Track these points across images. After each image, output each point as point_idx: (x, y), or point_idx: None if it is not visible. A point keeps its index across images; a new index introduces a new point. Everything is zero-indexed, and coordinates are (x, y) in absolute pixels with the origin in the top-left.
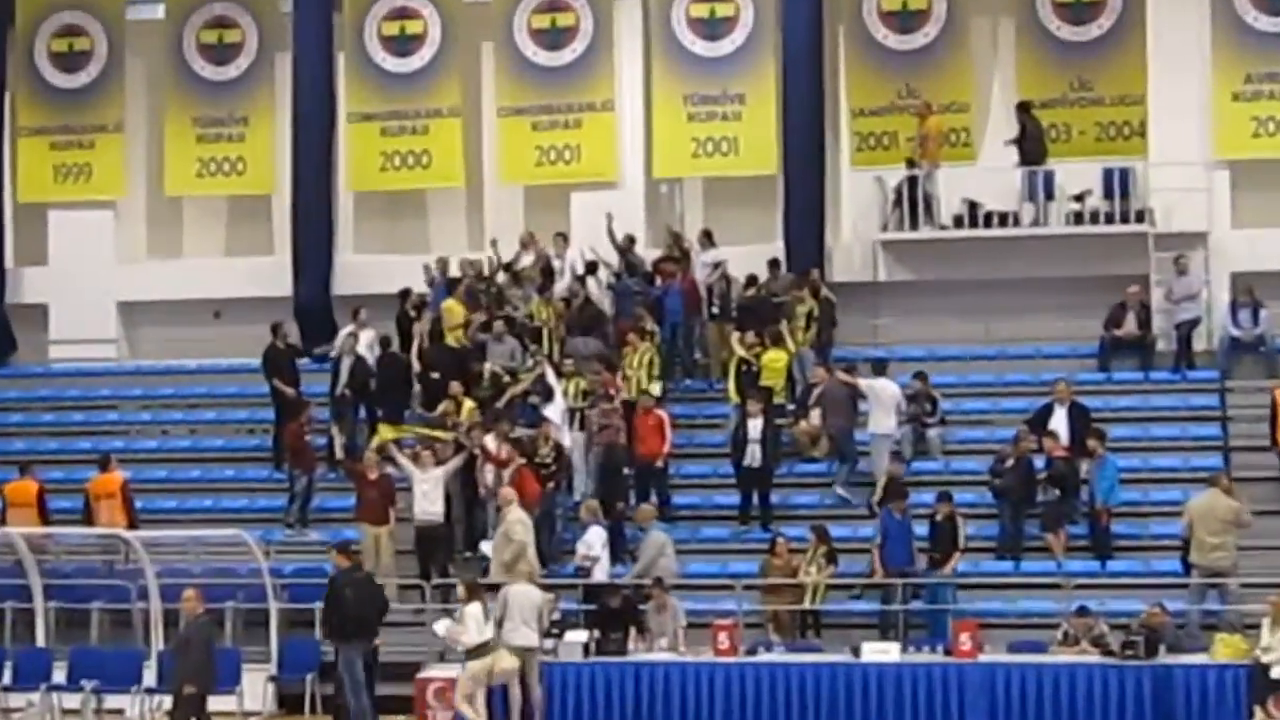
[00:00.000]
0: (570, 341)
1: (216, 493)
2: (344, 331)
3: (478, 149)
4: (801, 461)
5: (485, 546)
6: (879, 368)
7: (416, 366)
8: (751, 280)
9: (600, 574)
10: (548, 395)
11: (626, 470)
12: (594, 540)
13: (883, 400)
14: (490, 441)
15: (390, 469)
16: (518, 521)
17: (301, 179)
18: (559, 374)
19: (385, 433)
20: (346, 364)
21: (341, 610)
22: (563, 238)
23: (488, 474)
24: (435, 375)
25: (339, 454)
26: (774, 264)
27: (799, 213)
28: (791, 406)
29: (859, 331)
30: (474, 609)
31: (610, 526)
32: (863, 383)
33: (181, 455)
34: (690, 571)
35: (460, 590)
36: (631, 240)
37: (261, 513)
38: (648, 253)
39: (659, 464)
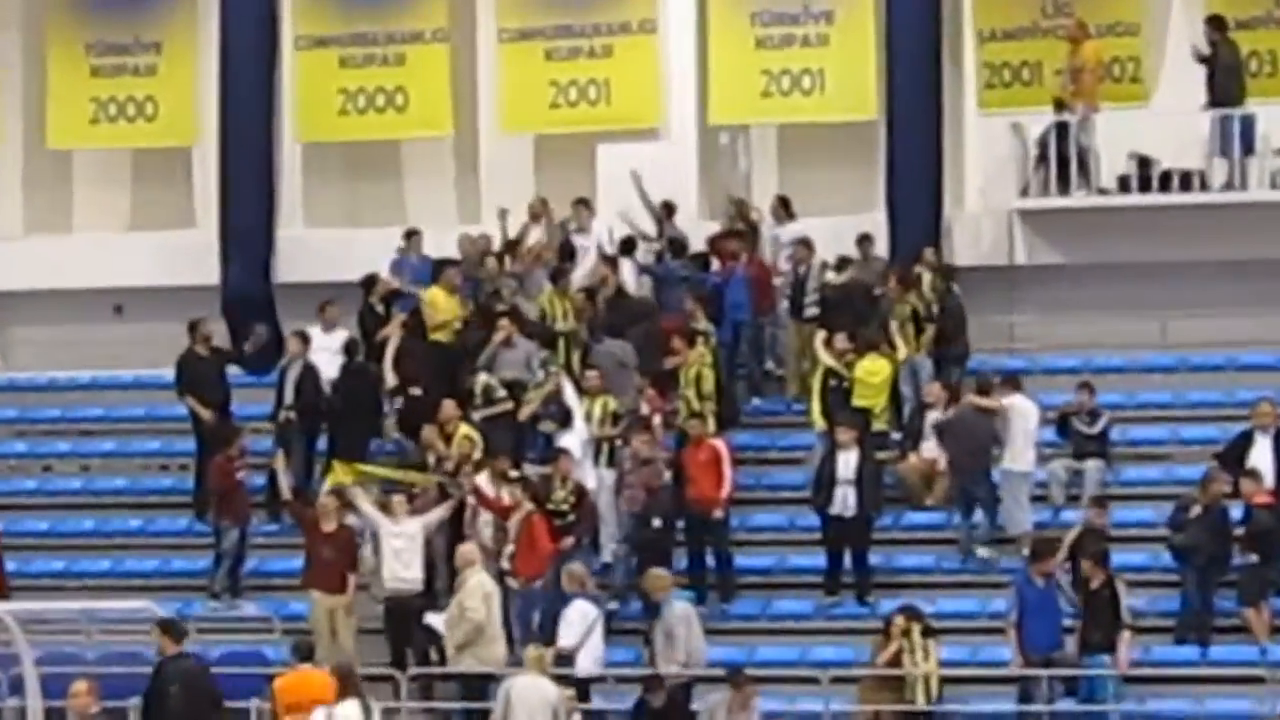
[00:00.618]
0: (596, 348)
1: (117, 551)
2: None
3: (471, 86)
4: (911, 509)
5: (434, 619)
6: (1013, 382)
7: (390, 379)
8: (843, 263)
9: (589, 664)
10: (564, 420)
11: (672, 522)
12: (574, 619)
13: (1020, 426)
14: (484, 482)
15: (352, 519)
16: (477, 590)
17: (232, 126)
18: (580, 391)
19: (341, 473)
20: (293, 376)
21: (164, 712)
22: (585, 206)
23: (483, 528)
24: (416, 391)
25: (285, 495)
26: (866, 241)
27: (907, 172)
28: (897, 435)
29: (988, 333)
30: (347, 712)
31: (647, 606)
32: (1004, 402)
33: (70, 500)
34: (759, 658)
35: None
36: (670, 209)
37: (178, 578)
38: (701, 227)
39: (716, 514)
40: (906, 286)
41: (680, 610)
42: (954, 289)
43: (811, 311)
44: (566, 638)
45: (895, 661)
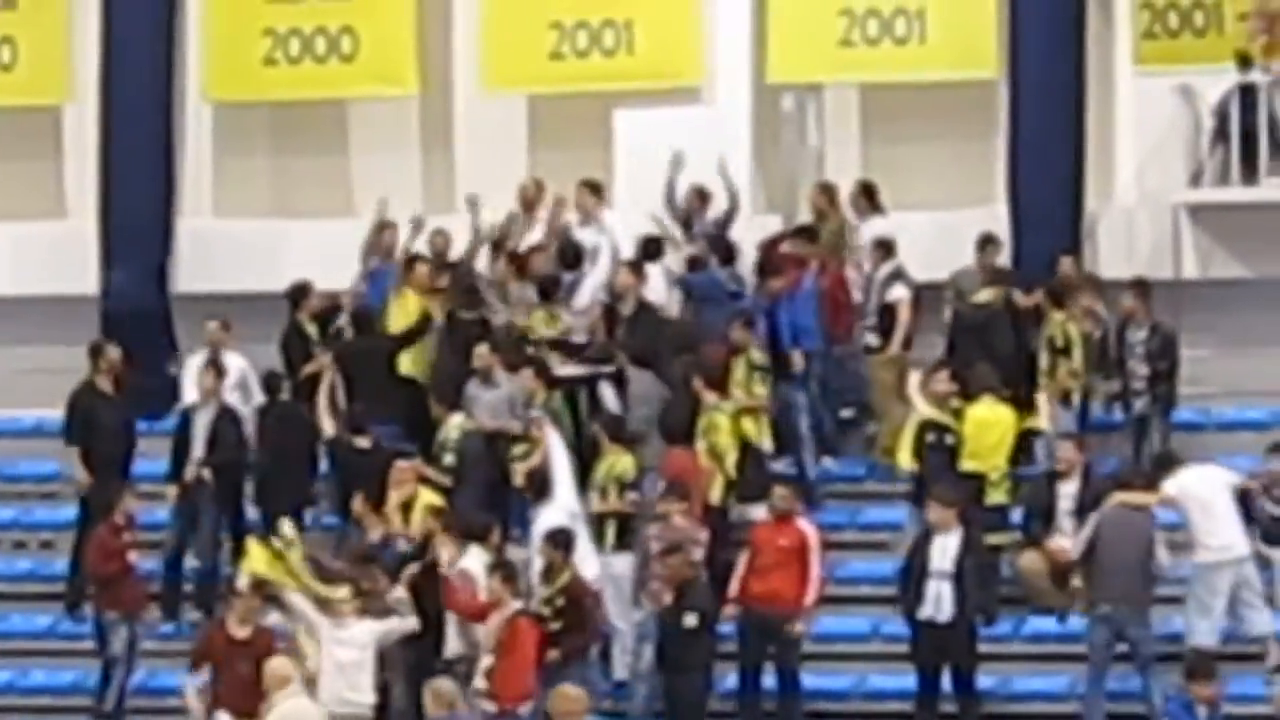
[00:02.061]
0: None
1: None
2: (194, 361)
3: (444, 29)
4: (1035, 613)
5: None
6: (1166, 462)
7: (328, 427)
8: (997, 276)
9: None
10: (541, 489)
11: (712, 623)
12: None
13: (1211, 504)
14: (474, 563)
15: (276, 617)
16: (288, 716)
17: (117, 79)
18: (594, 445)
19: (257, 559)
20: (204, 420)
21: None
22: (595, 191)
23: (453, 632)
24: (363, 443)
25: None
26: (990, 246)
27: (1038, 152)
28: (1020, 515)
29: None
30: None
31: None
32: (1169, 490)
33: None
34: None
35: None
36: (703, 197)
37: (44, 695)
38: (754, 224)
39: (797, 627)
40: (1060, 305)
41: None
42: (1099, 313)
43: (869, 339)
44: None
45: None
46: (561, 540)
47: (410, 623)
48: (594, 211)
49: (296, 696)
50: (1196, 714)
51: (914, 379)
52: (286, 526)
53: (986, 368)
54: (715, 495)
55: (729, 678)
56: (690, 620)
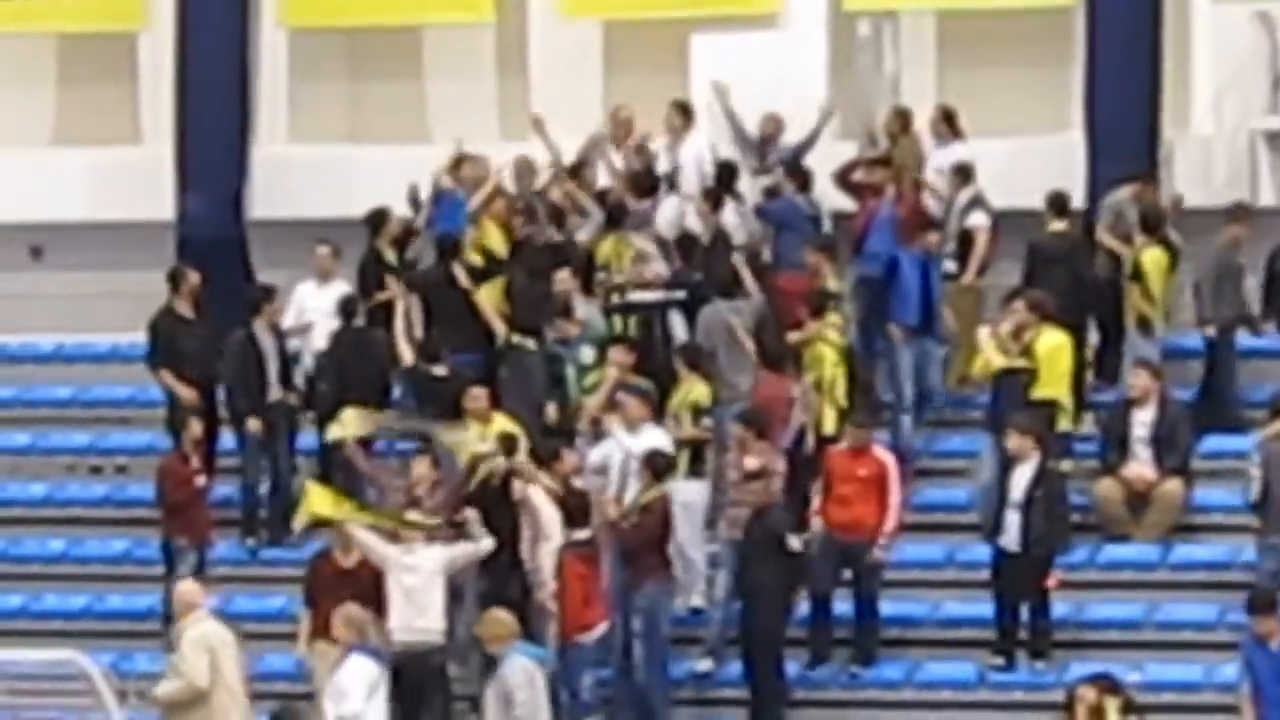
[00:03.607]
0: (704, 310)
1: (33, 583)
2: (303, 290)
3: None
4: (1110, 540)
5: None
6: None
7: (406, 354)
8: (1061, 205)
9: None
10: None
11: (793, 546)
12: (347, 685)
13: None
14: (536, 495)
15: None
16: (200, 644)
17: (193, 6)
18: (657, 378)
19: (317, 501)
20: (309, 350)
21: None
22: (684, 113)
23: (544, 557)
24: (440, 371)
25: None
26: (1060, 206)
27: (1113, 79)
28: (1086, 435)
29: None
30: None
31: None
32: None
33: None
34: None
35: None
36: (778, 125)
37: (116, 620)
38: (830, 151)
39: (877, 553)
40: (1150, 231)
41: (522, 667)
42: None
43: (947, 266)
44: (344, 706)
45: None
46: (660, 463)
47: (484, 545)
48: (683, 133)
49: (204, 621)
50: (1267, 647)
51: (983, 332)
52: (349, 413)
53: (1048, 295)
54: (829, 425)
55: (801, 605)
56: (794, 543)
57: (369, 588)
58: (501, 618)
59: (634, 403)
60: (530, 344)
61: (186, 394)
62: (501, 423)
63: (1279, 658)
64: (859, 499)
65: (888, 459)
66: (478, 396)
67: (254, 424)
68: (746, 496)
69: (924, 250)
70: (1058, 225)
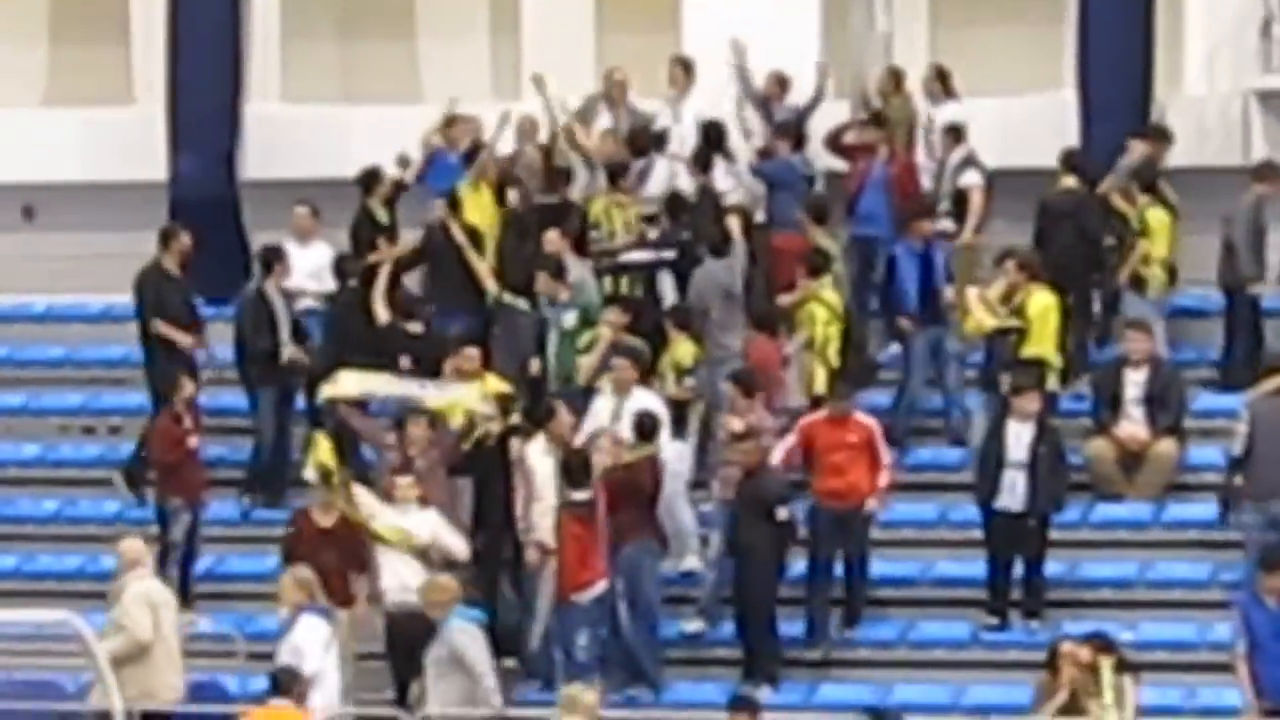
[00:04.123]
0: (696, 271)
1: (25, 543)
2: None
3: None
4: (1102, 500)
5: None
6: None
7: (383, 313)
8: (1071, 161)
9: (333, 697)
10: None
11: (780, 517)
12: (303, 645)
13: None
14: (534, 453)
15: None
16: (140, 600)
17: None
18: (649, 338)
19: (325, 452)
20: (283, 309)
21: None
22: (685, 69)
23: (539, 518)
24: (415, 327)
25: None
26: (1072, 161)
27: (1106, 36)
28: (1078, 394)
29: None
30: None
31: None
32: None
33: None
34: (897, 700)
35: None
36: (783, 83)
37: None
38: (826, 110)
39: (870, 504)
40: (1150, 190)
41: (464, 630)
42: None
43: (943, 224)
44: (305, 665)
45: (1073, 708)
46: (648, 424)
47: (461, 551)
48: (685, 89)
49: (146, 579)
50: (1266, 604)
51: (972, 294)
52: (344, 374)
53: (1035, 254)
54: (819, 385)
55: (797, 564)
56: (782, 513)
57: (348, 547)
58: (443, 583)
59: (624, 365)
60: (522, 303)
61: (185, 340)
62: (494, 383)
63: (1277, 618)
64: (851, 465)
65: (870, 421)
66: (471, 356)
67: (290, 353)
68: (735, 457)
69: (922, 239)
70: (1068, 182)
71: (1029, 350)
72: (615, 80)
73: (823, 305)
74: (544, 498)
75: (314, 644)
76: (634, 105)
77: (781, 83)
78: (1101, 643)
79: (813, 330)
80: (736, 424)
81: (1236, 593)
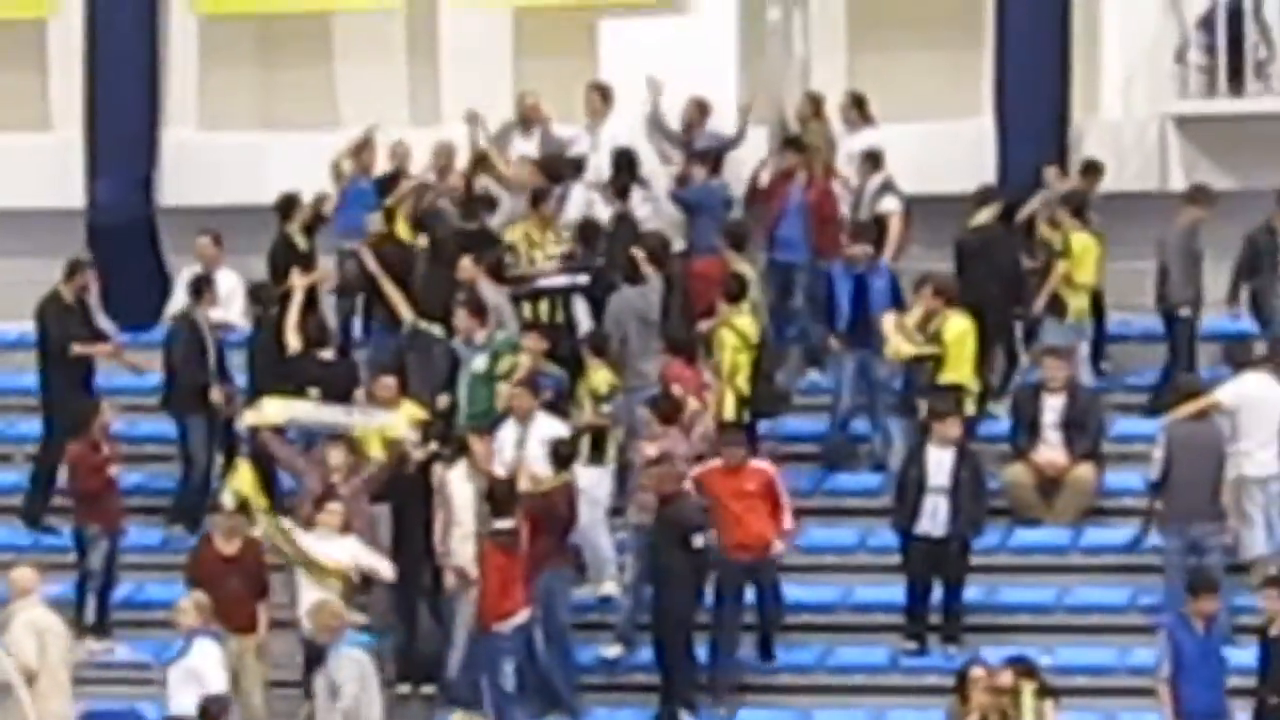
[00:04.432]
0: (613, 298)
1: None
2: (183, 275)
3: None
4: (1021, 525)
5: None
6: (1243, 352)
7: (294, 342)
8: (986, 196)
9: None
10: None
11: (696, 544)
12: (202, 669)
13: (1255, 419)
14: (456, 479)
15: (258, 531)
16: (28, 629)
17: None
18: (568, 365)
19: (244, 478)
20: (210, 338)
21: None
22: (602, 95)
23: (460, 543)
24: (326, 354)
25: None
26: (988, 201)
27: (1024, 62)
28: (995, 419)
29: (1131, 286)
30: None
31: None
32: (1228, 393)
33: None
34: None
35: None
36: (703, 109)
37: None
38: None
39: (777, 547)
40: (1078, 215)
41: (351, 660)
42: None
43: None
44: (207, 688)
45: None
46: (565, 451)
47: (386, 572)
48: (602, 115)
49: (35, 607)
50: (1193, 628)
51: (889, 320)
52: (267, 401)
53: (953, 280)
54: (728, 410)
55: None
56: (698, 540)
57: (251, 573)
58: (331, 608)
59: (519, 393)
60: (436, 330)
61: (105, 349)
62: (410, 409)
63: (1204, 643)
64: (750, 514)
65: (766, 466)
66: (388, 385)
67: (216, 395)
68: (648, 482)
69: (849, 261)
70: (981, 217)
71: (946, 376)
72: (529, 105)
73: (733, 331)
74: (463, 523)
75: (213, 668)
76: (551, 131)
77: (701, 108)
78: (1023, 667)
79: (721, 356)
80: (650, 449)
81: (1163, 616)
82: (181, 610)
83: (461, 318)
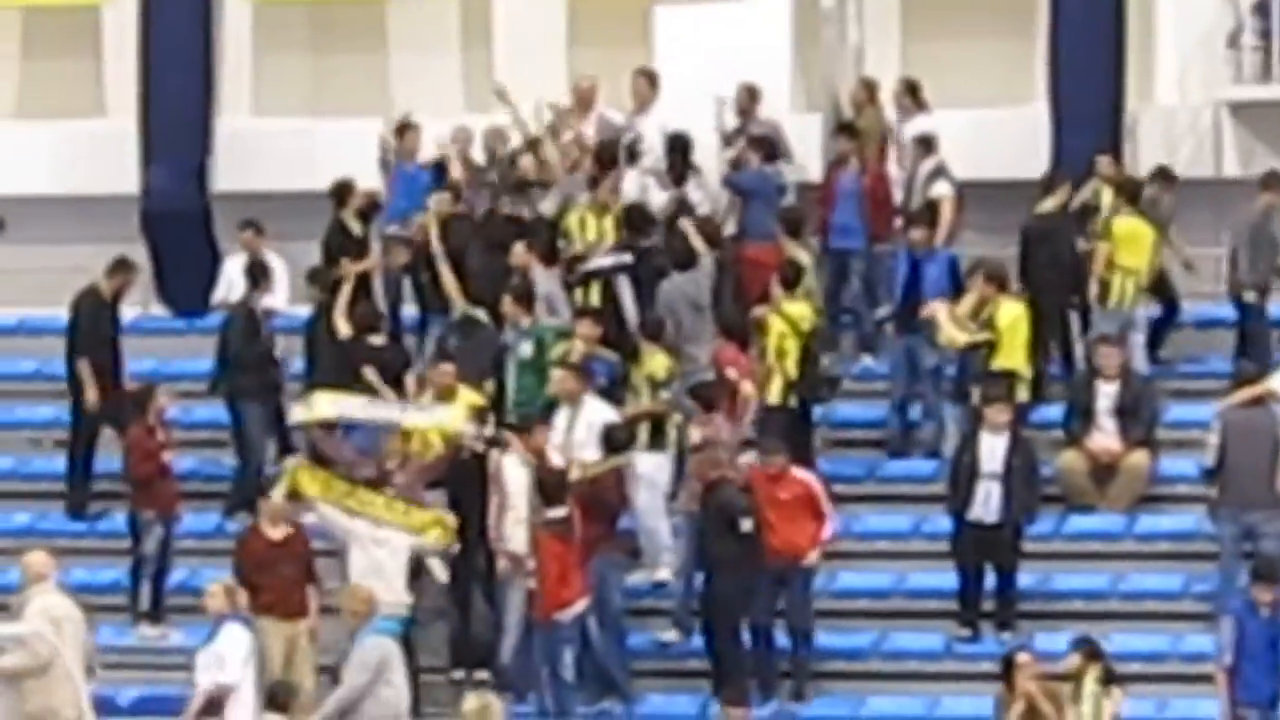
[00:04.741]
0: (664, 285)
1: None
2: (228, 264)
3: None
4: (1074, 511)
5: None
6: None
7: (343, 327)
8: (1051, 183)
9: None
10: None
11: (744, 528)
12: (225, 653)
13: None
14: (510, 466)
15: (310, 517)
16: (43, 615)
17: None
18: (623, 353)
19: (304, 477)
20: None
21: None
22: (649, 80)
23: (513, 527)
24: (378, 340)
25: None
26: (1056, 180)
27: (1078, 50)
28: (1057, 409)
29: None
30: None
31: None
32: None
33: None
34: (868, 713)
35: None
36: (753, 94)
37: (81, 593)
38: (795, 123)
39: (810, 558)
40: (1133, 202)
41: (368, 646)
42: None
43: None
44: (223, 674)
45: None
46: (617, 437)
47: (441, 576)
48: (649, 101)
49: (50, 593)
50: (1259, 614)
51: (941, 312)
52: (317, 395)
53: (1003, 266)
54: (774, 395)
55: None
56: (746, 525)
57: (299, 559)
58: (359, 593)
59: (564, 376)
60: (483, 316)
61: (91, 397)
62: (468, 395)
63: (1269, 627)
64: (786, 523)
65: (808, 477)
66: (446, 372)
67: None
68: (692, 468)
69: (910, 246)
70: (1046, 205)
71: (999, 362)
72: (585, 88)
73: (781, 317)
74: (517, 508)
75: (236, 653)
76: (608, 117)
77: (752, 94)
78: (1090, 649)
79: (767, 341)
80: (695, 435)
81: (1232, 601)
82: (211, 594)
83: (509, 305)
